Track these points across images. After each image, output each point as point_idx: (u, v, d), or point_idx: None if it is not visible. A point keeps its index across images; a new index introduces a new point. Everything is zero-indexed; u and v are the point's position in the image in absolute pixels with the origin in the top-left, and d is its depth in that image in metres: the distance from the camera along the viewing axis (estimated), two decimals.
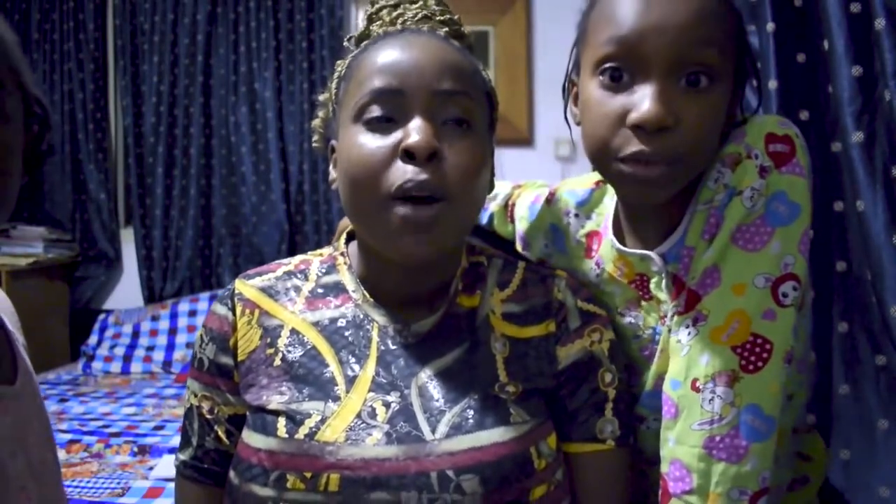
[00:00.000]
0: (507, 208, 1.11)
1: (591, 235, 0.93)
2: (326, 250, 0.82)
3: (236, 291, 0.77)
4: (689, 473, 0.70)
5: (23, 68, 0.68)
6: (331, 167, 0.77)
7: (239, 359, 0.74)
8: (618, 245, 0.85)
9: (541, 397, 0.73)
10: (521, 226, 1.06)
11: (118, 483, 1.62)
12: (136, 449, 1.82)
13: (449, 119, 0.68)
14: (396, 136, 0.66)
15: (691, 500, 0.70)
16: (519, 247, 1.09)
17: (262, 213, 3.03)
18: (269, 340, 0.73)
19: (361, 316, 0.74)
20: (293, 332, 0.73)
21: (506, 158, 2.91)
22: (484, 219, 1.14)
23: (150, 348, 2.81)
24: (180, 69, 3.03)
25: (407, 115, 0.67)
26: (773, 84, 1.09)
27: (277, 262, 0.81)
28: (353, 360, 0.71)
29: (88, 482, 1.63)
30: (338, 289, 0.76)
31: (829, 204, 1.07)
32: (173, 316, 2.88)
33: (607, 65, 0.71)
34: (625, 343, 0.93)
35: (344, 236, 0.81)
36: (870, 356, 1.03)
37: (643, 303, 0.85)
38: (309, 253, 0.82)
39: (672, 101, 0.68)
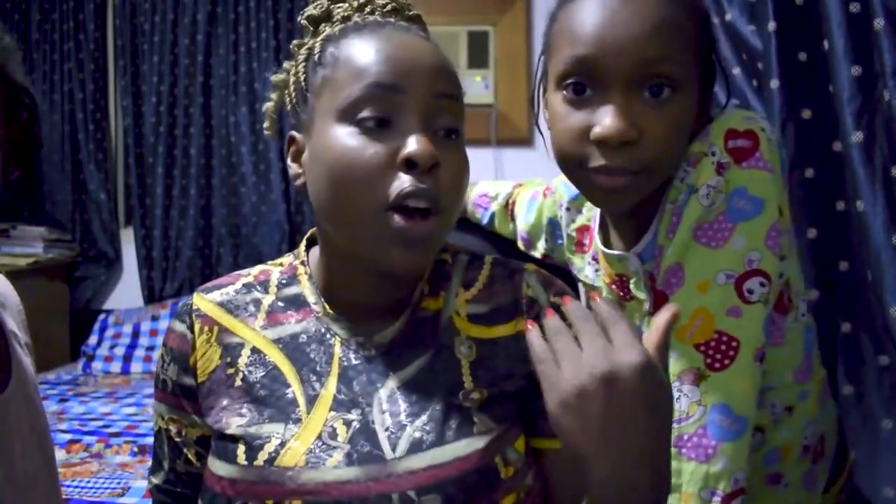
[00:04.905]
0: (508, 207, 1.11)
1: (582, 230, 0.93)
2: (287, 259, 0.78)
3: (194, 307, 0.73)
4: None
5: (9, 59, 0.66)
6: (290, 161, 0.71)
7: (199, 380, 0.71)
8: (600, 246, 0.85)
9: (508, 400, 0.69)
10: (521, 224, 1.06)
11: (118, 483, 1.62)
12: (136, 449, 1.82)
13: (441, 127, 0.65)
14: (393, 142, 0.62)
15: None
16: (521, 245, 1.09)
17: (262, 213, 3.03)
18: (229, 360, 0.70)
19: (323, 330, 0.70)
20: (254, 350, 0.70)
21: (506, 158, 2.93)
22: (485, 218, 1.14)
23: (150, 348, 2.81)
24: (180, 69, 3.03)
25: (403, 118, 0.63)
26: (774, 83, 1.09)
27: (237, 273, 0.77)
28: (314, 378, 0.67)
29: (88, 482, 1.63)
30: (298, 302, 0.72)
31: (832, 203, 1.07)
32: (173, 316, 2.88)
33: (569, 80, 0.71)
34: None
35: (304, 243, 0.76)
36: (873, 356, 1.03)
37: (625, 304, 0.85)
38: (269, 262, 0.78)
39: (634, 114, 0.69)
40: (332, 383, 0.67)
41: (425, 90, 0.64)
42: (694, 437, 0.68)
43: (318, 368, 0.68)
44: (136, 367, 2.76)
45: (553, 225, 0.99)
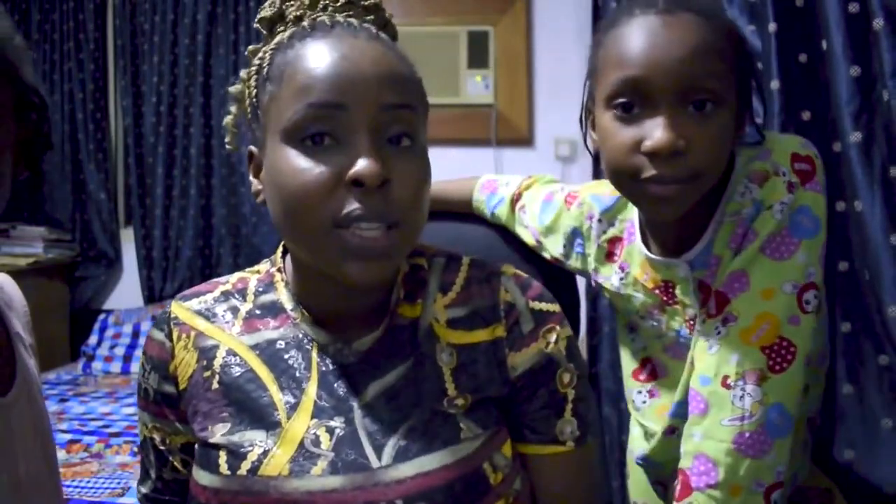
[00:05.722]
0: (514, 199, 1.11)
1: (614, 241, 0.96)
2: (264, 266, 0.76)
3: (172, 315, 0.72)
4: (716, 467, 0.74)
5: (20, 59, 0.66)
6: (251, 177, 0.70)
7: (181, 386, 0.70)
8: (646, 252, 0.88)
9: (492, 405, 0.69)
10: (532, 223, 1.07)
11: (118, 483, 1.63)
12: (136, 449, 1.82)
13: (393, 136, 0.62)
14: (340, 160, 0.60)
15: (714, 493, 0.73)
16: (531, 241, 1.09)
17: (262, 213, 3.03)
18: (205, 363, 0.69)
19: (301, 336, 0.69)
20: (230, 352, 0.69)
21: (506, 158, 2.93)
22: (492, 201, 1.14)
23: None
24: (180, 69, 3.03)
25: (350, 134, 0.61)
26: (774, 84, 1.09)
27: (216, 280, 0.76)
28: (293, 384, 0.67)
29: (88, 482, 1.63)
30: (276, 308, 0.71)
31: (832, 204, 1.08)
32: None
33: (618, 99, 0.76)
34: (648, 342, 0.95)
35: (280, 249, 0.75)
36: (873, 356, 1.03)
37: (667, 308, 0.89)
38: (247, 270, 0.77)
39: (681, 126, 0.74)
40: (311, 389, 0.66)
41: (371, 103, 0.61)
42: (755, 435, 0.74)
43: (296, 375, 0.67)
44: (136, 367, 2.76)
45: (575, 234, 1.00)
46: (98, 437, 1.91)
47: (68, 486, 1.61)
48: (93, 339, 2.88)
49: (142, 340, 2.82)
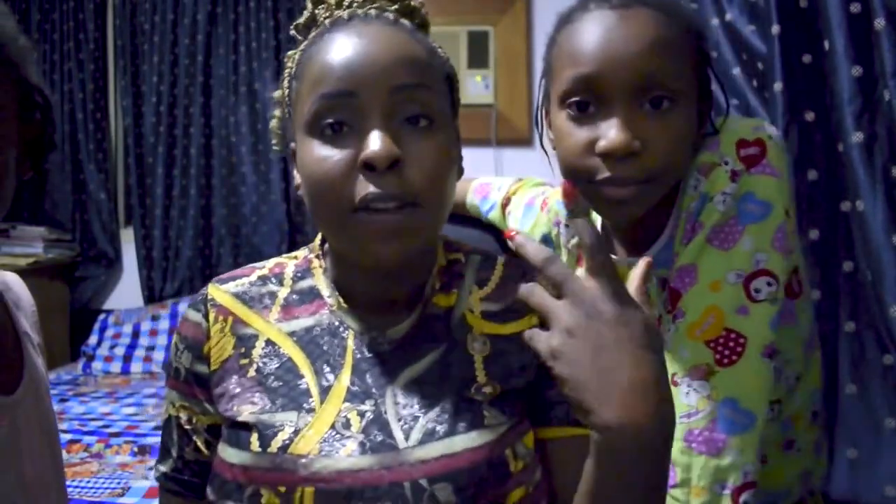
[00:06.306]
0: (504, 204, 1.12)
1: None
2: (301, 252, 0.79)
3: (209, 297, 0.74)
4: (673, 468, 0.71)
5: (24, 59, 0.66)
6: (294, 171, 0.73)
7: (212, 368, 0.71)
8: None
9: (518, 397, 0.70)
10: (515, 227, 1.07)
11: (118, 483, 1.62)
12: (136, 449, 1.82)
13: (409, 116, 0.64)
14: (353, 145, 0.62)
15: (675, 493, 0.71)
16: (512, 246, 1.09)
17: (262, 213, 3.03)
18: (243, 350, 0.71)
19: (336, 323, 0.71)
20: (269, 342, 0.71)
21: (506, 158, 2.93)
22: (485, 206, 1.14)
23: (150, 348, 2.81)
24: (180, 69, 3.03)
25: (362, 119, 0.63)
26: (778, 86, 1.09)
27: (251, 265, 0.78)
28: (327, 369, 0.68)
29: (88, 482, 1.63)
30: (313, 294, 0.73)
31: (836, 205, 1.07)
32: (173, 316, 2.88)
33: (572, 98, 0.74)
34: None
35: (319, 237, 0.77)
36: (877, 355, 1.03)
37: None
38: (284, 256, 0.79)
39: (637, 126, 0.71)
40: (345, 376, 0.68)
41: (382, 87, 0.63)
42: (704, 432, 0.70)
43: (331, 360, 0.69)
44: (136, 367, 2.76)
45: (546, 241, 1.00)
46: (98, 437, 1.91)
47: (68, 486, 1.60)
48: (93, 339, 2.88)
49: (142, 340, 2.83)
